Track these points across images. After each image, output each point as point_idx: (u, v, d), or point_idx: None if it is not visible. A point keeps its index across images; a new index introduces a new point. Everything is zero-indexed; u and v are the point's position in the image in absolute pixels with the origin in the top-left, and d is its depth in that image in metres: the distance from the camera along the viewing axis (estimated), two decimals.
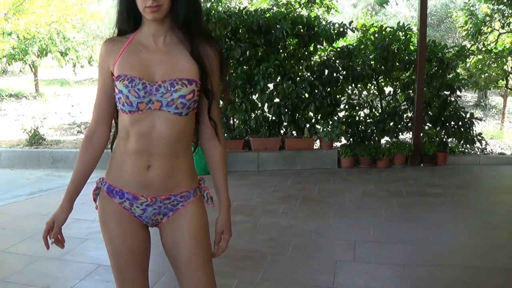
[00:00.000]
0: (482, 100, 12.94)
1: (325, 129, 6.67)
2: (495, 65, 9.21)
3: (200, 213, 1.62)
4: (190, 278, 1.58)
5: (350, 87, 7.47)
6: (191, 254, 1.57)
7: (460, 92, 7.45)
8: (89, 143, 1.60)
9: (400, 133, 7.39)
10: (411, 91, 7.22)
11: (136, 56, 1.54)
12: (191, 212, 1.59)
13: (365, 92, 7.78)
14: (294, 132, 7.09)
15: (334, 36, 7.08)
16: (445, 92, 7.20)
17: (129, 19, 1.57)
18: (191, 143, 1.63)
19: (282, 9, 7.28)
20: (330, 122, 6.80)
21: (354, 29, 7.32)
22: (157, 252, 1.60)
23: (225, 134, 6.63)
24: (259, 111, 7.02)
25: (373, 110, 7.42)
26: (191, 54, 1.54)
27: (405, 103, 7.31)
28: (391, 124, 7.16)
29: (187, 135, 1.57)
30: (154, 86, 1.50)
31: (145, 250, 1.61)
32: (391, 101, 7.57)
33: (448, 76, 7.30)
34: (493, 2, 8.66)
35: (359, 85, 7.52)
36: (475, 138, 7.17)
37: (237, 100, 6.75)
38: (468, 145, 7.27)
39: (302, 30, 6.95)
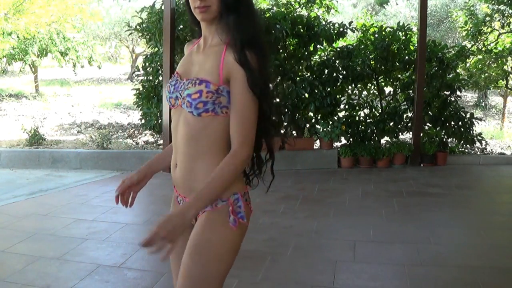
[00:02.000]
0: (482, 100, 12.95)
1: (325, 129, 6.67)
2: (495, 65, 9.22)
3: (206, 229, 1.49)
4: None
5: (350, 87, 7.48)
6: (183, 266, 1.49)
7: (460, 92, 7.46)
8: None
9: (400, 133, 7.39)
10: (411, 91, 7.23)
11: (190, 56, 1.61)
12: (199, 223, 1.50)
13: (365, 92, 7.79)
14: (294, 132, 7.09)
15: (334, 36, 7.08)
16: (445, 92, 7.20)
17: (194, 20, 1.58)
18: (222, 147, 1.50)
19: (282, 9, 7.27)
20: (330, 122, 6.80)
21: (354, 29, 7.33)
22: None
23: None
24: None
25: (373, 110, 7.42)
26: (238, 61, 1.44)
27: (405, 103, 7.31)
28: (391, 124, 7.16)
29: (207, 137, 1.48)
30: (182, 83, 1.53)
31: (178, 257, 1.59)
32: (391, 101, 7.57)
33: (448, 76, 7.31)
34: (493, 2, 8.66)
35: (359, 85, 7.53)
36: (475, 138, 7.18)
37: None
38: (468, 145, 7.27)
39: (302, 30, 6.95)
